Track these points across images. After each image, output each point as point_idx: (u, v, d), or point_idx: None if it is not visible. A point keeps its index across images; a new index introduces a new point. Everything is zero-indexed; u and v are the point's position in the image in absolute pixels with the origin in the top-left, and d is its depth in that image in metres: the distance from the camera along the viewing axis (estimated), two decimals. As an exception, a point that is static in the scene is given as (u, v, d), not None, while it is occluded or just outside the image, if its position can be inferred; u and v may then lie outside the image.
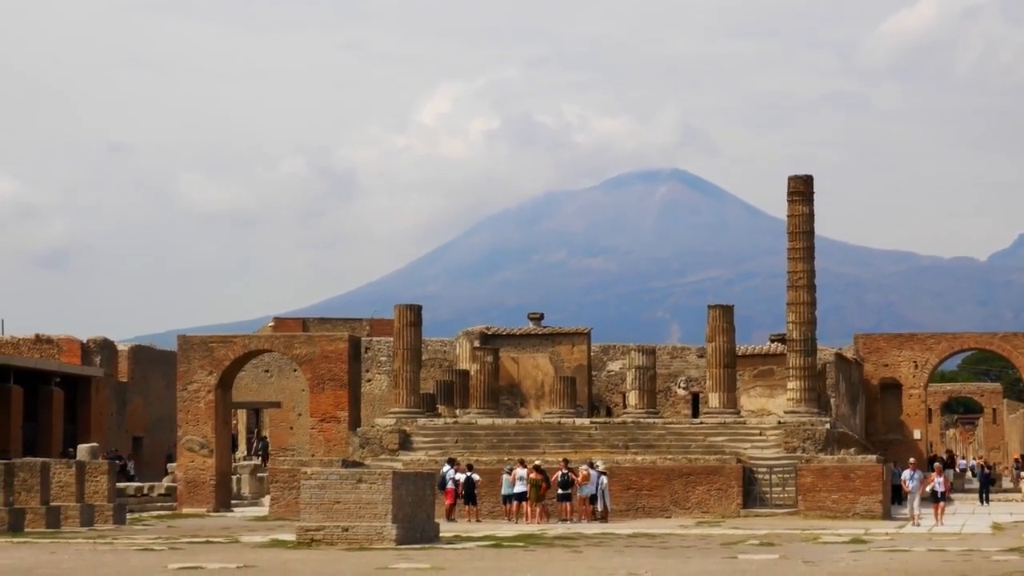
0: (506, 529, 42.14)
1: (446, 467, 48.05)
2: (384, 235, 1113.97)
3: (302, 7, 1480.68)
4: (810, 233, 54.77)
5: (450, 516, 46.50)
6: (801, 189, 54.64)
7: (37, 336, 68.19)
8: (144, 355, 73.66)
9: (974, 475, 72.03)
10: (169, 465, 62.20)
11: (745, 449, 51.69)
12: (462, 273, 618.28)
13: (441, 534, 36.72)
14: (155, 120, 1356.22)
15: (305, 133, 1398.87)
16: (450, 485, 47.23)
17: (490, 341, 63.07)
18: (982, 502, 58.49)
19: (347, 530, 33.66)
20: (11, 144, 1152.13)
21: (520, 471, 46.85)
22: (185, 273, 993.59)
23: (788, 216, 54.98)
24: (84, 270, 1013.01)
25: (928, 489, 45.12)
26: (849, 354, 70.34)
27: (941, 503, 44.99)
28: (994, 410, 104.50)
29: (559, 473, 46.73)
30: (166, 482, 59.01)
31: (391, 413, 55.97)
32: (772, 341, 64.53)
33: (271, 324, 79.47)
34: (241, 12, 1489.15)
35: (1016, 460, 78.37)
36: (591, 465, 47.16)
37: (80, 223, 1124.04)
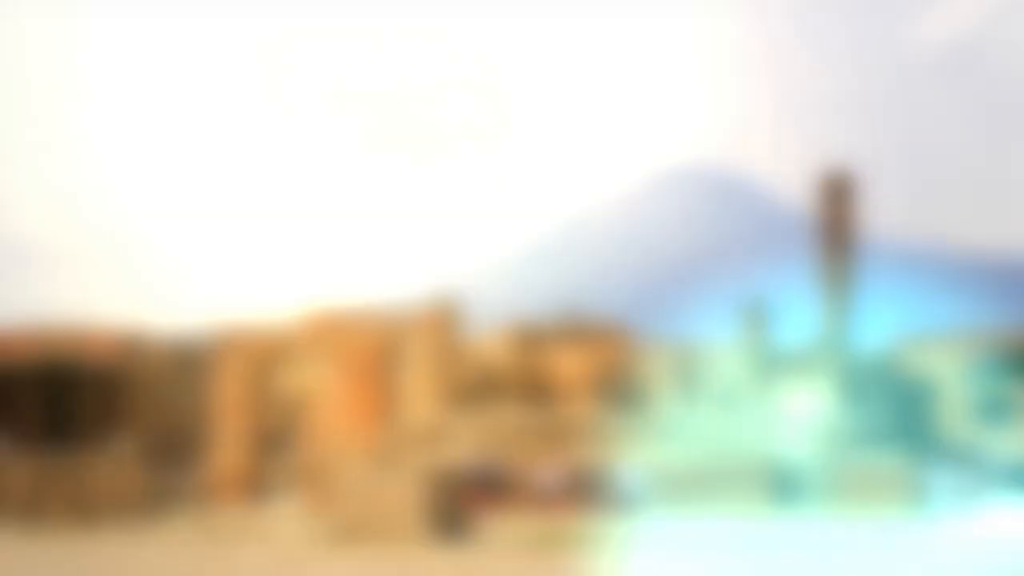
0: (538, 525, 42.03)
1: (476, 464, 47.94)
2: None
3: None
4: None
5: (479, 513, 46.46)
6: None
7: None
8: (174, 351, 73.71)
9: None
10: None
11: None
12: (498, 268, 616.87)
13: (473, 532, 36.64)
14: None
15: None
16: (481, 483, 47.13)
17: (524, 337, 62.94)
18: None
19: (378, 526, 33.64)
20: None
21: (552, 468, 46.76)
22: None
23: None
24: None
25: None
26: None
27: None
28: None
29: (579, 471, 46.58)
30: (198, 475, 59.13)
31: (427, 411, 55.89)
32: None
33: (307, 317, 79.44)
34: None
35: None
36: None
37: None
